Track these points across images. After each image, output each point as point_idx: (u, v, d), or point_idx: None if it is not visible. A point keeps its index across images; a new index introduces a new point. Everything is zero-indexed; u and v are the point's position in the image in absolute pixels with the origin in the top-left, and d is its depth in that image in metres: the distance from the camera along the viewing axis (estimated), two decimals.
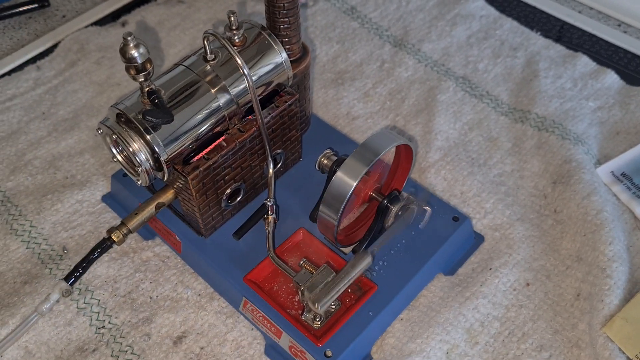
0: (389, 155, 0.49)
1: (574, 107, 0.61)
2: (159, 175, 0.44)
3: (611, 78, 0.64)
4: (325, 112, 0.62)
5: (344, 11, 0.72)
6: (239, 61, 0.42)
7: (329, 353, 0.42)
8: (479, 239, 0.52)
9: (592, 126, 0.60)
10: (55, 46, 0.69)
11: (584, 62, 0.66)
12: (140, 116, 0.40)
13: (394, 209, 0.46)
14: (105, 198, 0.55)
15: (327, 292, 0.41)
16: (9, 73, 0.67)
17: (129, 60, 0.38)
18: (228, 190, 0.47)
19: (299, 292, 0.42)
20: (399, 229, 0.46)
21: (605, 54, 0.68)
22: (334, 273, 0.42)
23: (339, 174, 0.43)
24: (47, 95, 0.64)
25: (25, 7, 0.73)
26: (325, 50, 0.68)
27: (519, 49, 0.67)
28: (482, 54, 0.67)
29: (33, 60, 0.68)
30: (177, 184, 0.45)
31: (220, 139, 0.45)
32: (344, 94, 0.63)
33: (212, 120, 0.43)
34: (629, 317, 0.46)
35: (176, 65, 0.44)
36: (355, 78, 0.65)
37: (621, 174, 0.56)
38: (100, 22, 0.72)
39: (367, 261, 0.43)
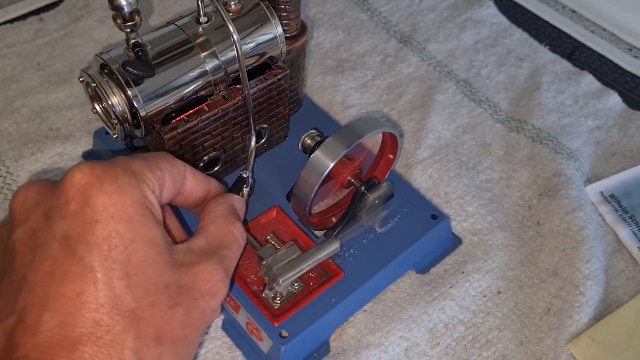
0: (373, 142, 0.48)
1: (571, 123, 0.60)
2: (137, 132, 0.43)
3: (614, 100, 0.63)
4: (320, 97, 0.61)
5: (355, 2, 0.71)
6: (230, 27, 0.41)
7: (285, 334, 0.42)
8: (456, 241, 0.51)
9: (587, 144, 0.59)
10: (61, 0, 0.69)
11: (589, 81, 0.65)
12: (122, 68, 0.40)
13: (371, 196, 0.45)
14: (86, 154, 0.54)
15: (290, 269, 0.40)
16: (11, 21, 0.66)
17: (116, 8, 0.37)
18: (206, 158, 0.46)
19: (261, 267, 0.41)
20: (369, 217, 0.45)
21: (612, 76, 0.67)
22: (300, 252, 0.42)
23: (317, 152, 0.42)
24: (46, 47, 0.64)
25: None
26: (330, 38, 0.67)
27: (525, 60, 0.66)
28: (487, 60, 0.66)
29: (37, 11, 0.68)
30: (155, 144, 0.44)
31: (204, 104, 0.44)
32: (342, 82, 0.62)
33: (197, 83, 0.43)
34: (596, 337, 0.45)
35: (168, 23, 0.43)
36: (355, 68, 0.64)
37: (610, 195, 0.55)
38: None
39: (334, 246, 0.42)
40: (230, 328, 0.45)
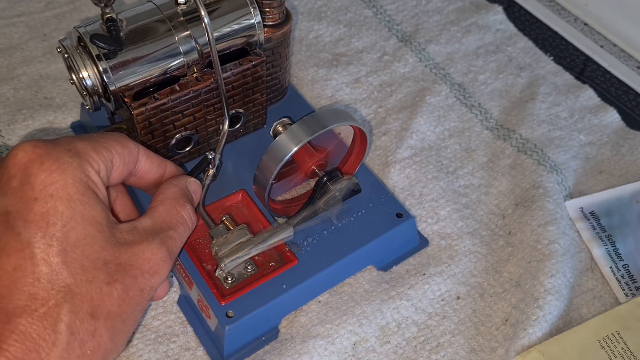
0: (345, 136, 0.48)
1: (562, 137, 0.59)
2: (109, 105, 0.44)
3: (612, 117, 0.62)
4: (310, 90, 0.61)
5: None
6: (202, 10, 0.42)
7: (231, 313, 0.42)
8: (423, 242, 0.51)
9: (576, 159, 0.58)
10: None
11: (588, 96, 0.63)
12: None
13: (332, 187, 0.45)
14: (74, 125, 0.56)
15: (235, 251, 0.41)
16: None
17: None
18: (178, 136, 0.47)
19: (211, 246, 0.42)
20: (328, 208, 0.45)
21: (614, 93, 0.65)
22: (250, 235, 0.42)
23: (280, 138, 0.43)
24: (54, 19, 0.66)
25: None
26: (330, 31, 0.68)
27: (525, 69, 0.65)
28: (486, 67, 0.65)
29: None
30: (126, 119, 0.46)
31: (176, 83, 0.45)
32: (335, 76, 0.63)
33: (169, 63, 0.44)
34: (546, 352, 0.44)
35: (147, 1, 0.44)
36: (351, 63, 0.64)
37: (590, 212, 0.54)
38: None
39: (286, 233, 0.43)
40: (185, 304, 0.46)
